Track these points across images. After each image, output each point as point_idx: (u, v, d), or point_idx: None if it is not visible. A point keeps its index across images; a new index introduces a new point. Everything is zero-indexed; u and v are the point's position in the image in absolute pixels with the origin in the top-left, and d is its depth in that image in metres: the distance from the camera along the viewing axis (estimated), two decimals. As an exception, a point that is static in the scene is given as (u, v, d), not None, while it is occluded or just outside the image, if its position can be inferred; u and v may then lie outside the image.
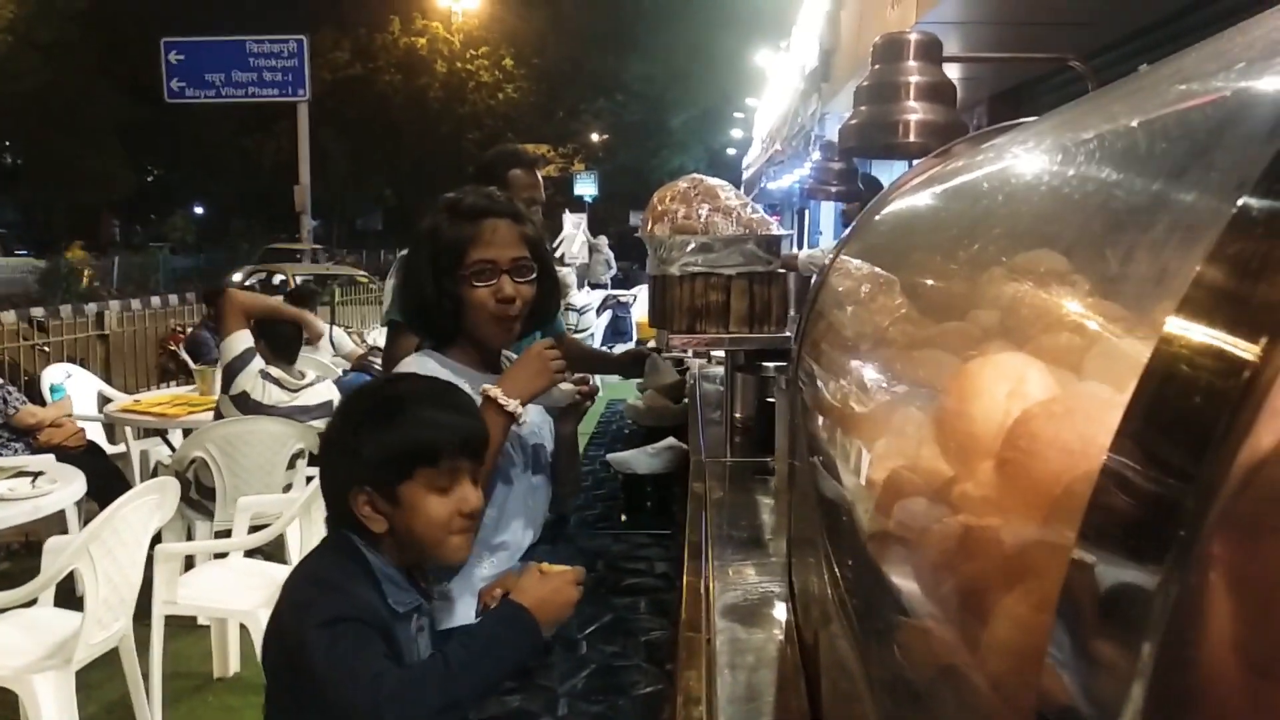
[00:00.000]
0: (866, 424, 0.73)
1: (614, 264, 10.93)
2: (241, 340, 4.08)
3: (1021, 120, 1.11)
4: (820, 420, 0.92)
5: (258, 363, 4.15)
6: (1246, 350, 0.27)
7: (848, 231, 1.19)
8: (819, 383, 0.98)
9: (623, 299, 10.82)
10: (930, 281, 0.94)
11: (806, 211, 11.69)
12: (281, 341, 4.29)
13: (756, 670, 1.02)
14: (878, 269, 1.05)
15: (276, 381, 4.16)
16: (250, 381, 4.10)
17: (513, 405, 1.62)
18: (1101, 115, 0.84)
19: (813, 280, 1.69)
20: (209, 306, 6.97)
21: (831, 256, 1.18)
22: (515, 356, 1.96)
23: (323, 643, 1.16)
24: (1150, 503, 0.28)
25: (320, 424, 4.25)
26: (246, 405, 4.11)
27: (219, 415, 4.20)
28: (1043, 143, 0.94)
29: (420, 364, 1.72)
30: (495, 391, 1.62)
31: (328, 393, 4.41)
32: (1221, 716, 0.28)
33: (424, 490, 1.28)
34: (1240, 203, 0.31)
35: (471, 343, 1.82)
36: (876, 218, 1.12)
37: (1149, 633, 0.26)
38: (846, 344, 0.96)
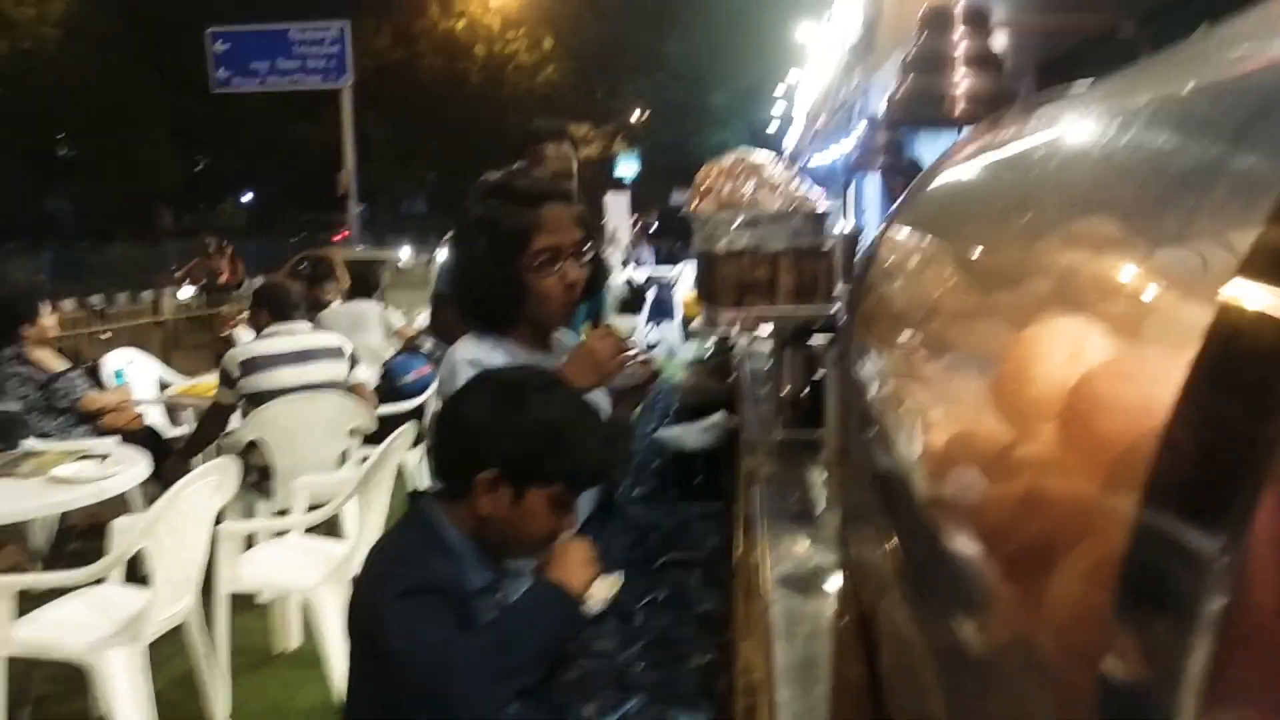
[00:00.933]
0: (921, 393, 0.74)
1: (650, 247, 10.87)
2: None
3: (1070, 86, 1.10)
4: (873, 392, 0.92)
5: (244, 350, 4.35)
6: None
7: (897, 203, 1.19)
8: (871, 355, 0.99)
9: (666, 280, 10.81)
10: (983, 251, 0.94)
11: (852, 185, 11.57)
12: (282, 306, 4.47)
13: (812, 639, 1.03)
14: (928, 239, 1.05)
15: (274, 334, 4.34)
16: (249, 363, 4.25)
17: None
18: (1156, 80, 0.83)
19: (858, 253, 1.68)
20: (311, 285, 7.15)
21: (881, 228, 1.19)
22: (568, 336, 1.99)
23: (397, 613, 1.20)
24: (1211, 463, 0.29)
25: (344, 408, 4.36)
26: (258, 367, 4.24)
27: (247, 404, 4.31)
28: (1095, 108, 0.94)
29: (480, 349, 1.74)
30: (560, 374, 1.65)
31: (336, 340, 4.60)
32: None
33: (548, 502, 1.31)
34: None
35: (529, 325, 1.84)
36: (927, 189, 1.12)
37: (1211, 592, 0.27)
38: (898, 316, 0.96)
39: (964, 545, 0.51)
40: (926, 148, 6.42)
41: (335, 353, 4.49)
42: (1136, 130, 0.80)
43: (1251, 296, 0.30)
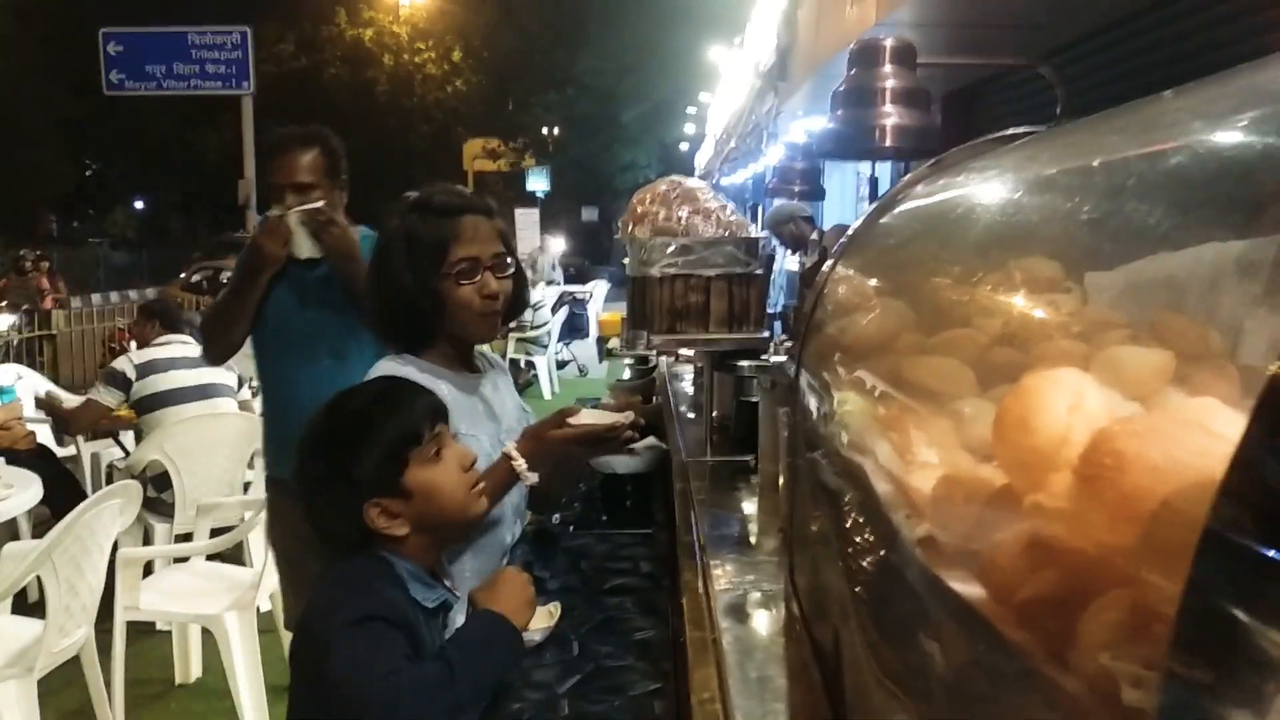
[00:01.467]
0: (891, 430, 0.76)
1: (558, 267, 10.90)
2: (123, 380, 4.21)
3: (1009, 132, 1.14)
4: (831, 427, 0.94)
5: (143, 354, 4.30)
6: None
7: (843, 241, 1.22)
8: (826, 390, 1.01)
9: (579, 295, 10.82)
10: (933, 290, 0.97)
11: (760, 208, 11.77)
12: (172, 318, 4.51)
13: (766, 666, 1.04)
14: (878, 279, 1.07)
15: (166, 342, 4.32)
16: (147, 365, 4.21)
17: (530, 480, 1.64)
18: (1092, 142, 0.88)
19: (779, 281, 1.70)
20: (139, 321, 6.96)
21: (829, 266, 1.21)
22: (487, 351, 1.97)
23: (346, 642, 1.19)
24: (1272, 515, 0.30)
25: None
26: (156, 369, 4.18)
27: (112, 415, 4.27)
28: (1039, 160, 0.98)
29: (397, 369, 1.70)
30: (515, 455, 1.64)
31: None
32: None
33: (423, 469, 1.32)
34: None
35: (449, 342, 1.81)
36: (875, 227, 1.14)
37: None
38: (853, 352, 0.98)
39: (962, 586, 0.52)
40: (832, 176, 6.57)
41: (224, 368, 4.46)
42: (1077, 184, 0.84)
43: None
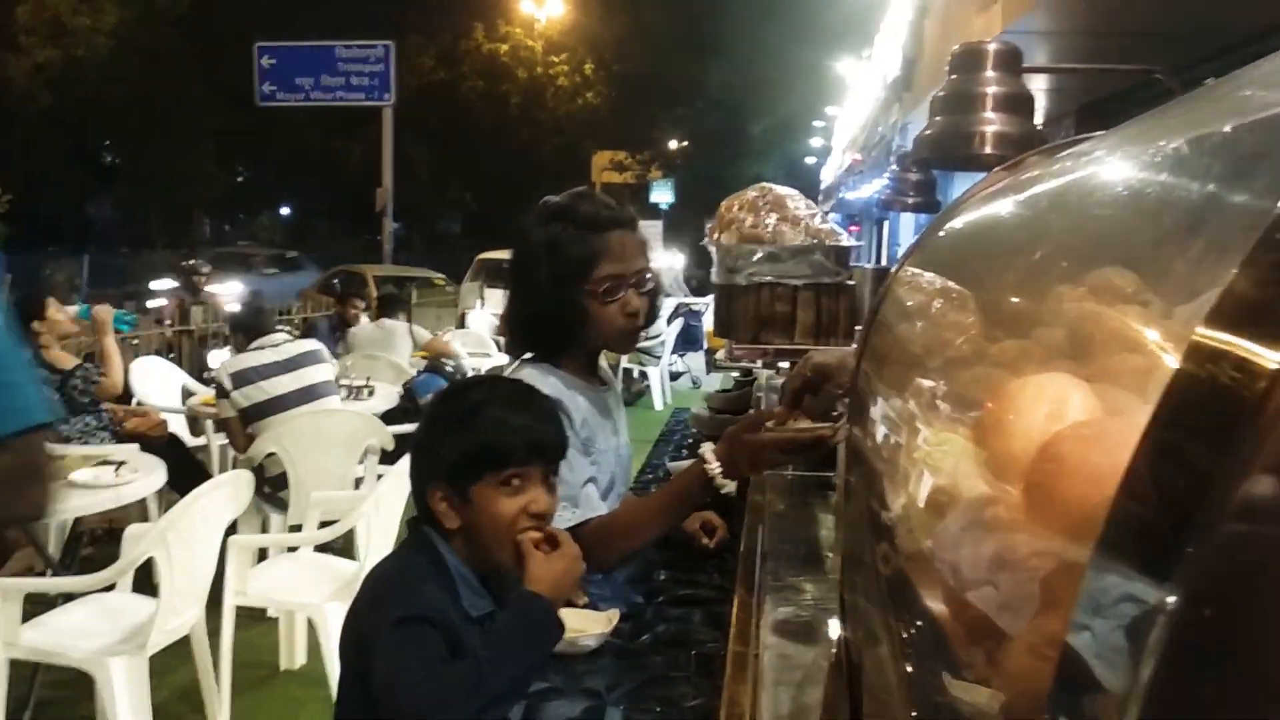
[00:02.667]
0: (915, 441, 0.71)
1: (681, 282, 10.89)
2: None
3: (1092, 135, 1.07)
4: (875, 435, 0.89)
5: (234, 362, 4.47)
6: (1262, 362, 0.26)
7: (913, 243, 1.17)
8: (876, 397, 0.96)
9: (694, 307, 10.81)
10: (995, 297, 0.91)
11: (886, 223, 11.54)
12: (252, 325, 4.61)
13: (803, 688, 1.00)
14: (939, 282, 1.02)
15: (257, 348, 4.46)
16: (240, 375, 4.37)
17: (727, 488, 1.61)
18: (1168, 129, 0.81)
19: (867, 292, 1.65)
20: (339, 303, 7.45)
21: (896, 267, 1.16)
22: (603, 363, 1.95)
23: (390, 641, 1.20)
24: (1162, 519, 0.27)
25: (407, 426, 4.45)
26: (250, 379, 4.35)
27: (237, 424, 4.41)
28: (1111, 157, 0.91)
29: (534, 376, 1.68)
30: (712, 464, 1.59)
31: (312, 343, 4.81)
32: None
33: (492, 491, 1.30)
34: (1275, 215, 0.30)
35: (584, 353, 1.80)
36: (942, 231, 1.09)
37: (1154, 650, 0.26)
38: (904, 359, 0.93)
39: (934, 601, 0.48)
40: (959, 189, 6.38)
41: (316, 355, 4.62)
42: (1150, 179, 0.77)
43: (1211, 347, 0.29)
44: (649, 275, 1.75)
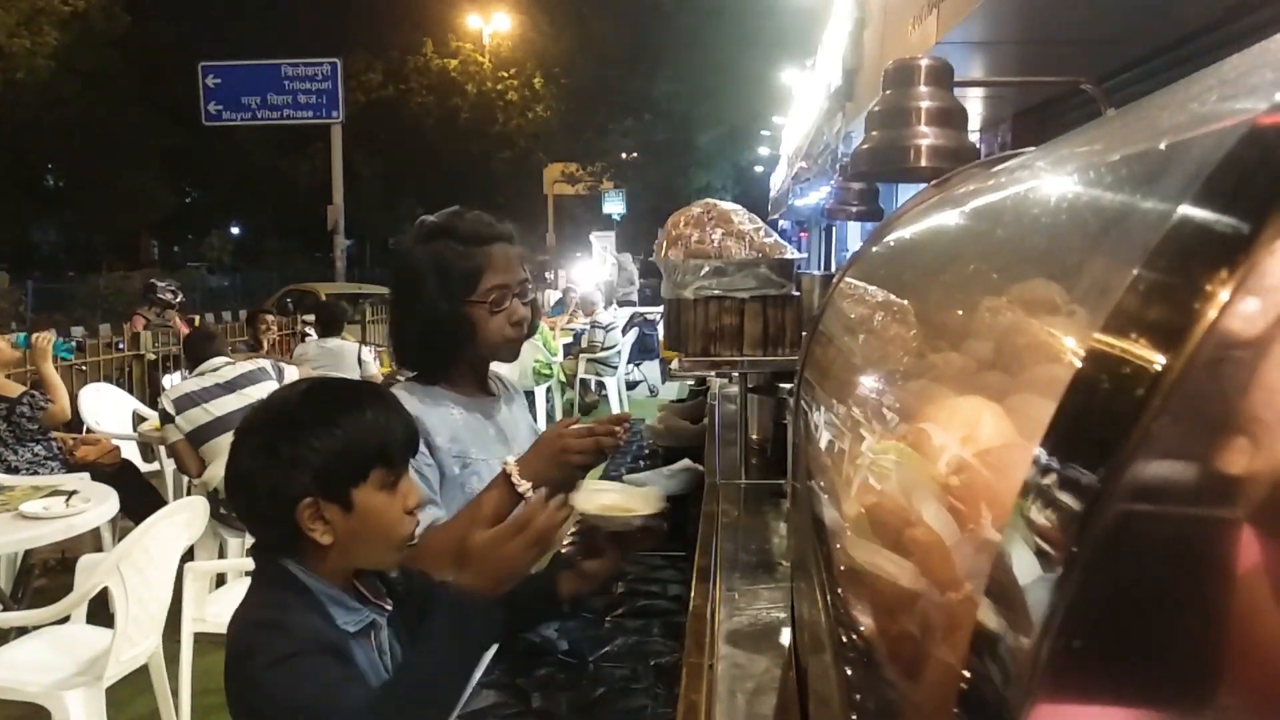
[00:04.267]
0: (852, 453, 0.74)
1: (636, 280, 10.96)
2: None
3: (1023, 150, 1.12)
4: (816, 445, 0.93)
5: (175, 389, 4.50)
6: (1147, 365, 0.29)
7: (851, 255, 1.20)
8: (816, 407, 0.99)
9: (650, 316, 10.85)
10: (928, 308, 0.95)
11: (833, 229, 11.66)
12: (199, 351, 4.65)
13: (757, 696, 1.03)
14: (876, 293, 1.06)
15: (200, 373, 4.51)
16: (183, 400, 4.38)
17: (524, 487, 1.64)
18: (1094, 146, 0.85)
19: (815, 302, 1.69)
20: (250, 327, 7.25)
21: (837, 279, 1.20)
22: (503, 374, 1.99)
23: (281, 682, 1.12)
24: (1058, 508, 0.30)
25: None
26: (192, 402, 4.36)
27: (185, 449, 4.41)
28: (1041, 172, 0.95)
29: (418, 404, 1.72)
30: (512, 469, 1.65)
31: (261, 362, 4.88)
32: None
33: (376, 493, 1.25)
34: (1171, 223, 0.33)
35: (470, 366, 1.85)
36: (878, 245, 1.13)
37: (1050, 631, 0.28)
38: (842, 369, 0.97)
39: (863, 616, 0.51)
40: (902, 198, 6.48)
41: (261, 373, 4.64)
42: (1071, 193, 0.81)
43: (1105, 351, 0.32)
44: (530, 285, 1.81)
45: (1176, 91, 0.78)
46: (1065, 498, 0.32)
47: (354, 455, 1.24)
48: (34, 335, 4.80)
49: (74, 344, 5.33)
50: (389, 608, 1.35)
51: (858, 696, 0.58)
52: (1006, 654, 0.32)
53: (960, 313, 0.91)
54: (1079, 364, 0.39)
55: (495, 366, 1.93)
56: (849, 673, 0.64)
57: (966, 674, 0.34)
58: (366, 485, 1.25)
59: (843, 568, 0.59)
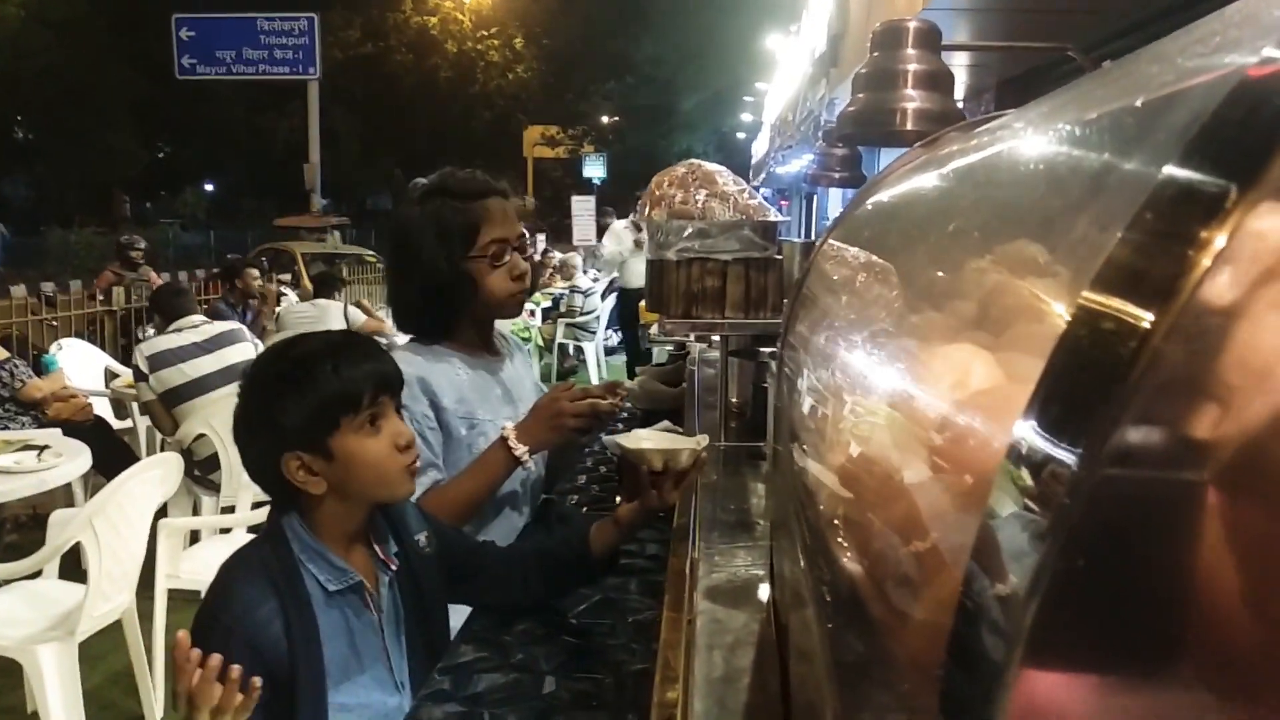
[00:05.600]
0: (836, 413, 0.75)
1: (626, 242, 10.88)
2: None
3: (1006, 112, 1.12)
4: (798, 404, 0.93)
5: (150, 345, 4.42)
6: (1135, 321, 0.29)
7: (836, 217, 1.20)
8: (800, 367, 1.00)
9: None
10: (912, 269, 0.95)
11: (815, 197, 11.65)
12: (170, 307, 4.55)
13: (735, 650, 1.04)
14: (860, 255, 1.06)
15: (176, 329, 4.42)
16: (157, 358, 4.32)
17: (520, 451, 1.66)
18: (1076, 105, 0.85)
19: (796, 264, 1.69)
20: (225, 281, 7.11)
21: (820, 241, 1.19)
22: (507, 333, 1.99)
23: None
24: (1044, 467, 0.30)
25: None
26: (167, 361, 4.30)
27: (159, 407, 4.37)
28: (1025, 133, 0.95)
29: (423, 364, 1.73)
30: (510, 434, 1.67)
31: (233, 324, 4.81)
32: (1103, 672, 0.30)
33: (354, 438, 1.29)
34: (1157, 183, 0.33)
35: (473, 325, 1.84)
36: (861, 205, 1.13)
37: (1039, 593, 0.28)
38: (825, 330, 0.97)
39: (849, 565, 0.51)
40: (885, 164, 6.48)
41: (238, 333, 4.60)
42: (1055, 152, 0.81)
43: (1093, 308, 0.32)
44: (527, 239, 1.82)
45: (1164, 46, 0.78)
46: (1056, 451, 0.32)
47: (318, 407, 1.28)
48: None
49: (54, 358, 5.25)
50: (394, 567, 1.38)
51: (840, 650, 0.59)
52: (995, 609, 0.32)
53: (945, 273, 0.91)
54: (1066, 321, 0.38)
55: (498, 324, 1.93)
56: (831, 627, 0.65)
57: (954, 628, 0.34)
58: (340, 432, 1.28)
59: (828, 524, 0.60)
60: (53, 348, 5.72)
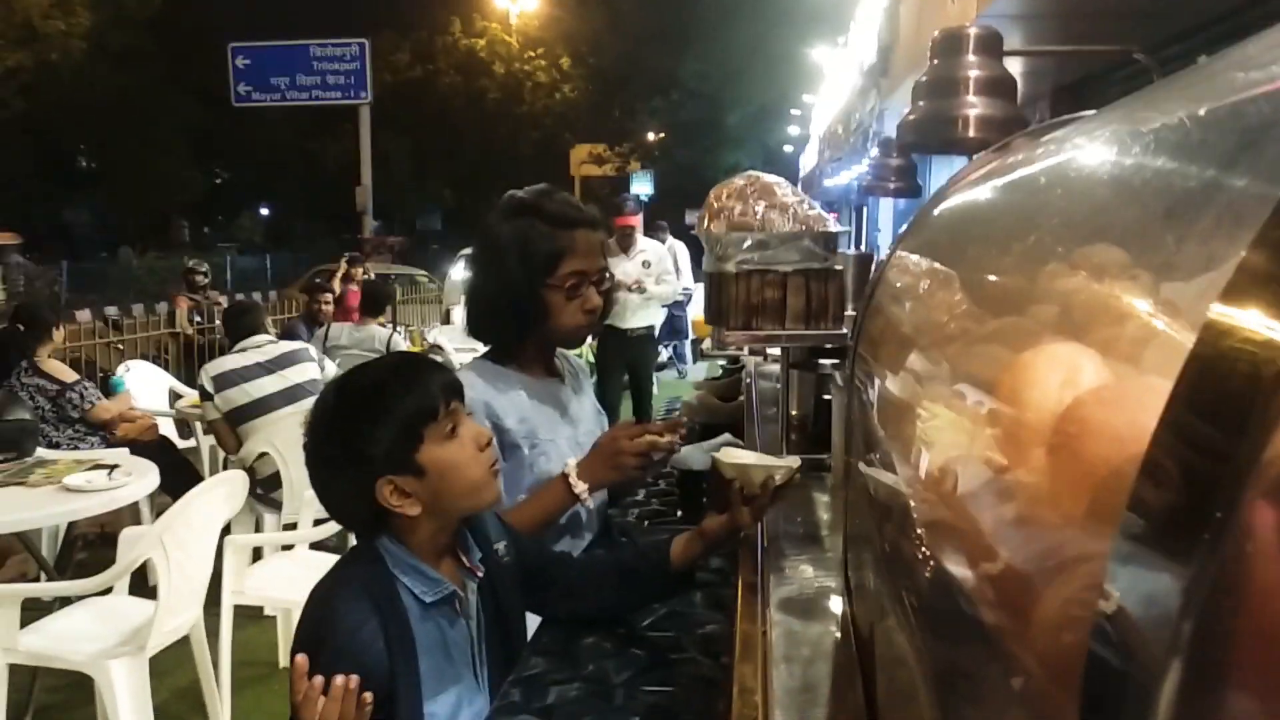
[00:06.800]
0: (922, 418, 0.74)
1: (684, 265, 10.85)
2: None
3: (1079, 115, 1.10)
4: (876, 416, 0.92)
5: (215, 365, 4.49)
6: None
7: (905, 227, 1.19)
8: (875, 379, 0.99)
9: (679, 297, 10.81)
10: (988, 276, 0.94)
11: (865, 209, 11.58)
12: (238, 326, 4.62)
13: (812, 663, 1.02)
14: (935, 264, 1.05)
15: (241, 349, 4.47)
16: (222, 378, 4.38)
17: (580, 490, 1.68)
18: (1160, 107, 0.83)
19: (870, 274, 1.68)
20: (309, 297, 7.30)
21: (889, 251, 1.18)
22: (568, 354, 2.00)
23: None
24: (1188, 486, 0.29)
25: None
26: (232, 381, 4.36)
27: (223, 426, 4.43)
28: (1102, 135, 0.94)
29: (468, 378, 1.75)
30: (571, 471, 1.68)
31: (299, 344, 4.86)
32: (1259, 693, 0.29)
33: (439, 446, 1.31)
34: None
35: (537, 345, 1.85)
36: (934, 213, 1.12)
37: (1187, 610, 0.27)
38: (903, 340, 0.96)
39: (956, 568, 0.50)
40: (938, 173, 6.43)
41: (303, 353, 4.63)
42: (1139, 157, 0.80)
43: (1230, 323, 0.30)
44: (608, 274, 1.82)
45: (1251, 51, 0.76)
46: (1203, 461, 0.30)
47: (401, 425, 1.30)
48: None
49: (121, 380, 5.44)
50: (481, 574, 1.41)
51: (944, 663, 0.58)
52: (1143, 623, 0.30)
53: (1023, 278, 0.90)
54: (1201, 330, 0.36)
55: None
56: (933, 640, 0.64)
57: (1095, 640, 0.32)
58: (426, 445, 1.31)
59: (930, 535, 0.59)
60: (120, 369, 5.87)
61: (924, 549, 0.59)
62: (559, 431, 1.82)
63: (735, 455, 1.53)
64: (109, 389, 5.03)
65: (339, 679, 1.17)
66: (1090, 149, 0.95)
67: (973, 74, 1.80)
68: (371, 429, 1.29)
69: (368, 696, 1.20)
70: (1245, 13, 3.04)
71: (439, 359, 5.61)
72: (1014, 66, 1.88)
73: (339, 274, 8.67)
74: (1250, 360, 0.29)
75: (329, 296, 7.18)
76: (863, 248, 7.54)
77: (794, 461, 1.51)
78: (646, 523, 2.05)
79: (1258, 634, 0.27)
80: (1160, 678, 0.27)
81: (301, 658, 1.21)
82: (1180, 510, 0.29)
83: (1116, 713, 0.30)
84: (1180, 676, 0.27)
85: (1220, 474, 0.27)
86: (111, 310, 7.86)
